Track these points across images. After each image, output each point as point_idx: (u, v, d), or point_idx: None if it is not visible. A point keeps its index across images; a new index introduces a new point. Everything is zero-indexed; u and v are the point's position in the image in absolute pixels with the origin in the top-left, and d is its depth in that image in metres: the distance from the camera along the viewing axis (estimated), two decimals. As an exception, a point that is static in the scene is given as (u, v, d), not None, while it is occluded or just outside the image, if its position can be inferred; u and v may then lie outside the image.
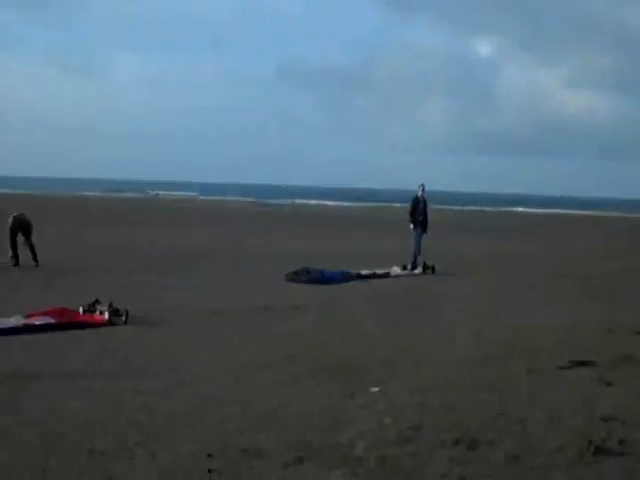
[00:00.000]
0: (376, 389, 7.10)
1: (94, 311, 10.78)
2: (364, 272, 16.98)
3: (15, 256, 16.95)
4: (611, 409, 6.43)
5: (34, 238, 17.36)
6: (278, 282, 15.49)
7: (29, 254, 17.06)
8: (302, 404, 6.60)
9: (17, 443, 5.48)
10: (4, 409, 6.35)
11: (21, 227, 17.21)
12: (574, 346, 9.16)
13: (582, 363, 8.12)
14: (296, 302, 12.75)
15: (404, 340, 9.64)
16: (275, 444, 5.53)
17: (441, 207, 58.69)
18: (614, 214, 67.09)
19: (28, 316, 10.25)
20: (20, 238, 17.15)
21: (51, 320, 10.17)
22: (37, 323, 9.99)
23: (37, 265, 16.82)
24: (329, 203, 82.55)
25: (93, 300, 11.03)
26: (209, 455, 5.27)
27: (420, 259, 17.96)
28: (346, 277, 16.26)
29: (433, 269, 17.86)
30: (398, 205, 78.93)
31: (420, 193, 18.54)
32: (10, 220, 17.25)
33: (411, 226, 18.23)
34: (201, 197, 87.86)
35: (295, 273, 15.92)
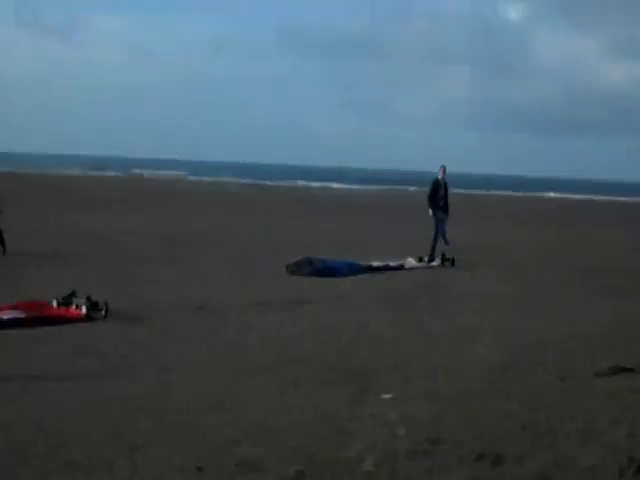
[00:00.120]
0: (388, 396, 7.09)
1: (70, 304, 10.78)
2: (375, 264, 16.95)
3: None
4: (654, 422, 6.40)
5: (2, 222, 17.34)
6: (278, 274, 15.48)
7: None
8: (304, 412, 6.58)
9: (-18, 452, 5.48)
10: (-32, 414, 6.36)
11: None
12: (613, 350, 9.12)
13: (622, 370, 8.08)
14: (298, 297, 12.73)
15: (419, 341, 9.62)
16: (273, 457, 5.52)
17: (461, 191, 58.57)
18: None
19: (-5, 310, 10.27)
20: None
21: (21, 315, 10.18)
22: (5, 318, 10.00)
23: (4, 253, 16.79)
24: (335, 185, 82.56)
25: (69, 292, 11.03)
26: (199, 468, 5.26)
27: (443, 249, 17.91)
28: (354, 269, 16.23)
29: (453, 261, 17.83)
30: (413, 189, 78.96)
31: (441, 175, 18.47)
32: None
33: (430, 212, 18.19)
34: (191, 177, 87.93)
35: (297, 264, 15.89)
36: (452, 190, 19.55)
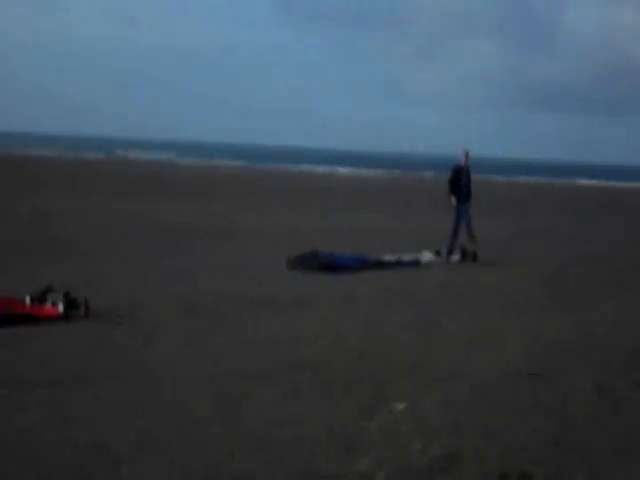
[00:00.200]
0: (401, 405, 7.08)
1: (45, 301, 10.77)
2: (386, 258, 16.94)
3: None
4: (701, 437, 6.37)
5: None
6: (278, 269, 15.48)
7: None
8: (307, 423, 6.57)
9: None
10: None
11: None
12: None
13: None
14: (300, 295, 12.73)
15: (436, 345, 9.61)
16: (273, 473, 5.52)
17: (484, 177, 58.54)
18: None
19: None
20: None
21: (-13, 313, 10.17)
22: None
23: None
24: (342, 170, 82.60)
25: (44, 287, 11.01)
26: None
27: (465, 243, 17.87)
28: (363, 263, 16.23)
29: (474, 256, 17.81)
30: (430, 174, 78.92)
31: (463, 161, 18.44)
32: None
33: (453, 201, 18.13)
34: (180, 160, 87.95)
35: (299, 258, 15.88)
36: (473, 176, 19.48)
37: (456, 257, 17.82)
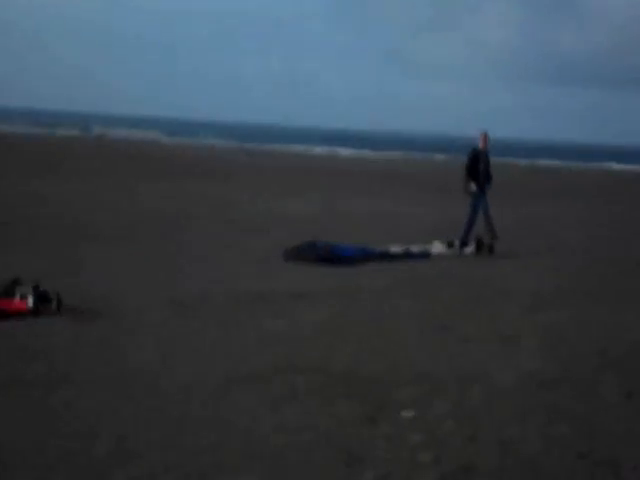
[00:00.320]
0: (409, 413, 7.09)
1: (12, 295, 10.76)
2: (393, 249, 16.94)
3: None
4: None
5: None
6: (274, 260, 15.49)
7: None
8: (304, 432, 6.58)
9: None
10: None
11: None
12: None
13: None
14: (298, 289, 12.73)
15: (448, 347, 9.61)
16: (265, 488, 5.52)
17: (503, 160, 58.49)
18: None
19: None
20: None
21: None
22: None
23: None
24: (342, 151, 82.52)
25: (11, 279, 11.01)
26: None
27: (481, 234, 17.86)
28: (367, 255, 16.24)
29: (490, 248, 17.80)
30: (441, 157, 78.88)
31: (481, 144, 18.39)
32: None
33: (473, 186, 18.04)
34: (166, 138, 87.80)
35: (297, 249, 15.89)
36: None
37: (470, 249, 17.81)
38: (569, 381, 8.28)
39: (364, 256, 16.17)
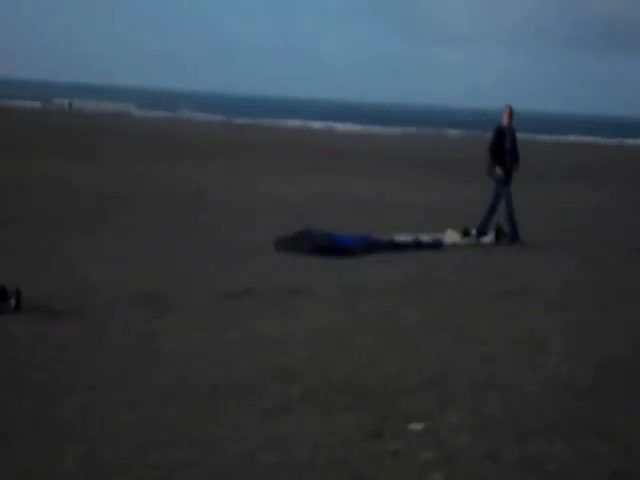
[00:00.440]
0: (418, 426, 7.08)
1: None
2: (400, 238, 16.92)
3: None
4: None
5: None
6: (264, 251, 15.48)
7: None
8: (298, 447, 6.57)
9: None
10: None
11: None
12: None
13: None
14: (291, 284, 12.73)
15: (464, 350, 9.62)
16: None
17: (526, 137, 58.44)
18: None
19: None
20: None
21: None
22: None
23: None
24: (340, 126, 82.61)
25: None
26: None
27: (500, 221, 17.84)
28: (371, 245, 16.23)
29: (512, 237, 17.76)
30: (455, 132, 78.97)
31: (505, 119, 18.28)
32: None
33: (498, 171, 17.92)
34: (139, 111, 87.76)
35: (291, 238, 15.88)
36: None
37: (488, 238, 17.78)
38: (602, 389, 8.29)
39: (367, 246, 16.15)
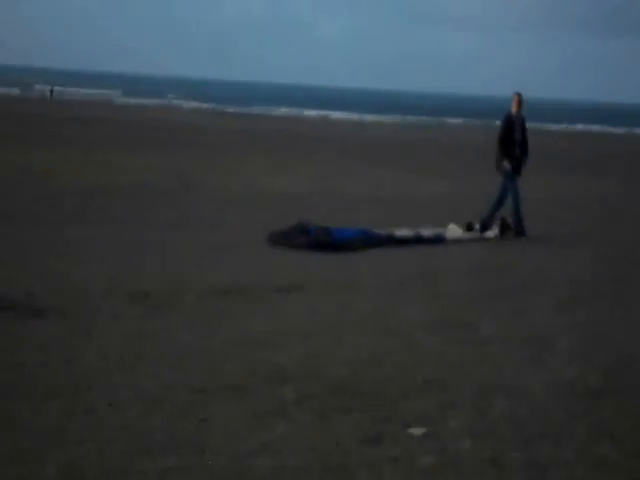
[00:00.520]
0: (419, 431, 7.07)
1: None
2: (400, 233, 16.95)
3: None
4: None
5: None
6: (257, 246, 15.47)
7: None
8: (292, 453, 6.56)
9: None
10: None
11: None
12: None
13: None
14: (286, 281, 12.73)
15: (467, 350, 9.62)
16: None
17: (533, 126, 58.47)
18: None
19: None
20: None
21: None
22: None
23: None
24: (336, 115, 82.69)
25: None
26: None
27: (504, 214, 17.83)
28: (369, 240, 16.25)
29: (519, 232, 17.76)
30: (457, 121, 78.95)
31: (514, 109, 18.19)
32: None
33: (506, 165, 17.85)
34: (124, 98, 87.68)
35: (285, 233, 15.88)
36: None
37: (493, 233, 17.80)
38: (612, 391, 8.28)
39: (365, 241, 16.16)
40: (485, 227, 17.90)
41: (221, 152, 35.01)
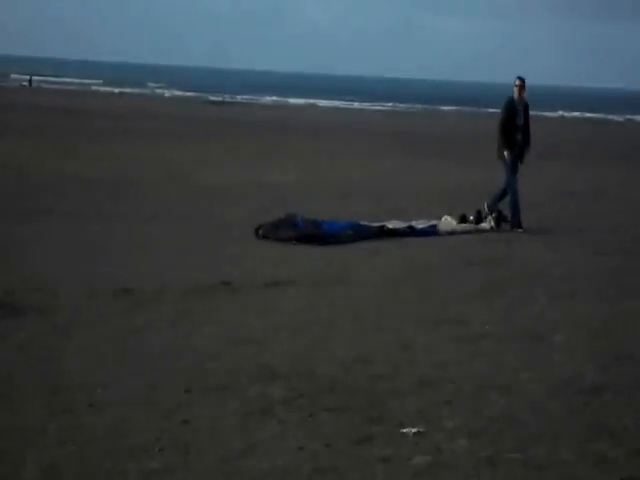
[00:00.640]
0: (412, 430, 7.07)
1: None
2: (391, 225, 16.93)
3: None
4: None
5: None
6: (243, 239, 15.44)
7: None
8: (280, 454, 6.57)
9: None
10: None
11: None
12: None
13: None
14: (273, 276, 12.72)
15: (461, 346, 9.63)
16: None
17: (534, 113, 58.42)
18: None
19: None
20: None
21: None
22: None
23: None
24: (324, 103, 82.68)
25: None
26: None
27: (501, 206, 17.80)
28: (361, 232, 16.23)
29: (515, 223, 17.75)
30: (450, 109, 78.80)
31: (516, 95, 18.11)
32: None
33: (507, 155, 17.80)
34: (106, 88, 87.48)
35: (273, 225, 15.86)
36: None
37: (487, 225, 17.77)
38: (611, 388, 8.29)
39: (356, 233, 16.14)
40: (479, 219, 17.85)
41: (203, 142, 34.91)
